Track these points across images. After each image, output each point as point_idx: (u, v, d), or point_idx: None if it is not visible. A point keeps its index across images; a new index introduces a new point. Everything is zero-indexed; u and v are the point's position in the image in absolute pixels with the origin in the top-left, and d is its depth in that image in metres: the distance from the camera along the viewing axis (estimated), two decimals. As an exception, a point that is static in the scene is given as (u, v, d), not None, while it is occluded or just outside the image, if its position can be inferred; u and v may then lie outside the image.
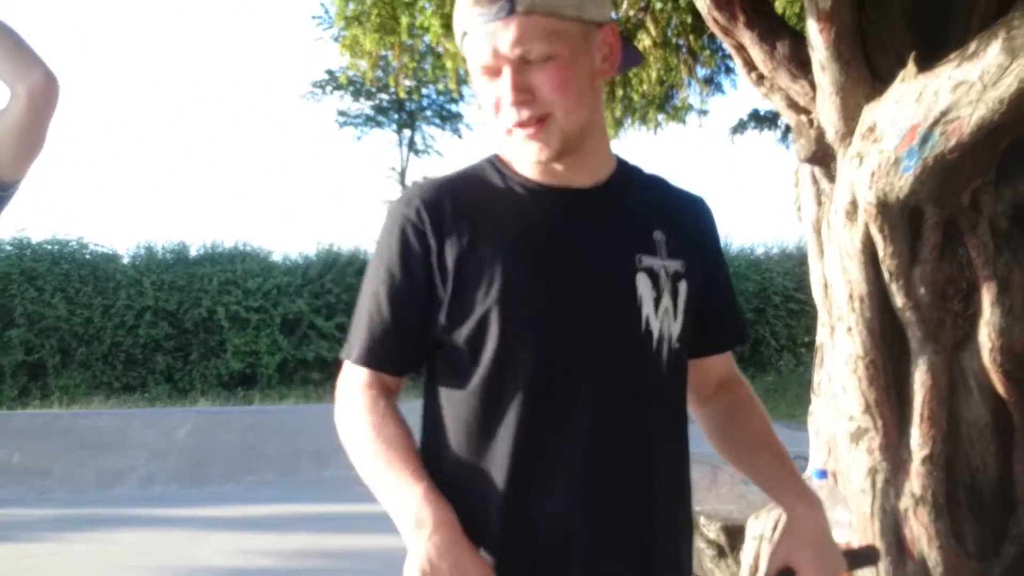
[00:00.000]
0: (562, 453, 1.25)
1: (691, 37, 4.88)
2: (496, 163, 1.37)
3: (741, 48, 2.71)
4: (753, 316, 13.68)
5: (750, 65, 2.75)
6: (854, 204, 2.36)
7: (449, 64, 4.10)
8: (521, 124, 1.25)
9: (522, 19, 1.20)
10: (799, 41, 2.58)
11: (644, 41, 4.61)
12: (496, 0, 1.21)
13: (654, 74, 4.92)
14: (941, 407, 2.40)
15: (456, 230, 1.29)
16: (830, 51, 2.37)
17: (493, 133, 1.31)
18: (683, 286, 1.35)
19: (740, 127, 6.10)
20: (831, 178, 2.60)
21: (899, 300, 2.36)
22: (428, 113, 20.01)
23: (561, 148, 1.27)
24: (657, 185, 1.45)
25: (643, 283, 1.31)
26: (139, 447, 8.61)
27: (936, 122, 2.10)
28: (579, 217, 1.32)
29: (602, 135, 1.39)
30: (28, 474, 8.05)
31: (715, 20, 2.65)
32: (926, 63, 2.19)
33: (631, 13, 4.49)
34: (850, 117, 2.41)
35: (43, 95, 1.75)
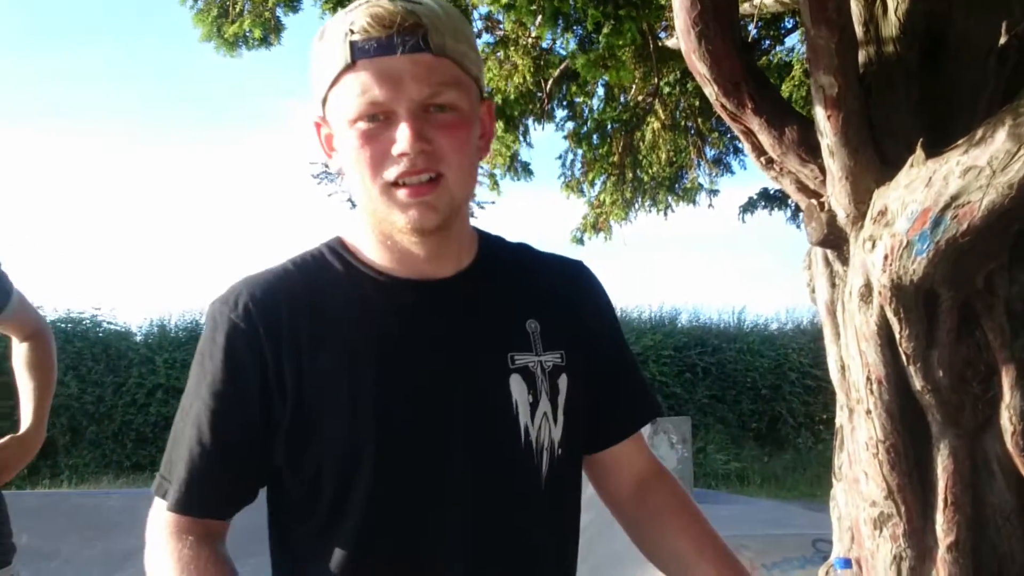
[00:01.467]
0: None
1: (699, 119, 4.96)
2: (339, 249, 1.15)
3: (750, 133, 2.75)
4: (769, 393, 13.54)
5: (759, 150, 2.78)
6: (868, 287, 2.36)
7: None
8: (414, 175, 1.02)
9: (433, 59, 1.02)
10: (807, 125, 2.61)
11: (653, 124, 4.69)
12: (405, 29, 1.01)
13: (663, 156, 4.99)
14: (965, 492, 2.36)
15: (294, 337, 1.06)
16: (838, 137, 2.40)
17: (361, 196, 1.07)
18: (563, 382, 1.15)
19: (750, 206, 6.14)
20: (844, 261, 2.60)
21: (918, 383, 2.34)
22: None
23: (444, 218, 1.06)
24: (526, 259, 1.25)
25: (517, 387, 1.11)
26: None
27: (947, 206, 2.12)
28: (441, 316, 1.11)
29: (467, 217, 1.19)
30: (36, 555, 7.90)
31: (723, 106, 2.69)
32: (934, 148, 2.22)
33: (640, 99, 4.58)
34: (861, 201, 2.42)
35: None
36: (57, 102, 22.71)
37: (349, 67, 1.02)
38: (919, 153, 2.23)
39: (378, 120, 1.02)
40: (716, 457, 11.94)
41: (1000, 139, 2.01)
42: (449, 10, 1.07)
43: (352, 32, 1.02)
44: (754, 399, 13.55)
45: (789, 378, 13.69)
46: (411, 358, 1.08)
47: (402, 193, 1.03)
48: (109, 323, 13.24)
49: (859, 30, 2.58)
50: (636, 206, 5.23)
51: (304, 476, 1.08)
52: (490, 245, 1.21)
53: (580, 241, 5.44)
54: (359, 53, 1.01)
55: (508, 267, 1.21)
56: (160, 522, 1.10)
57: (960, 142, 2.13)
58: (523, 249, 1.27)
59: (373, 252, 1.13)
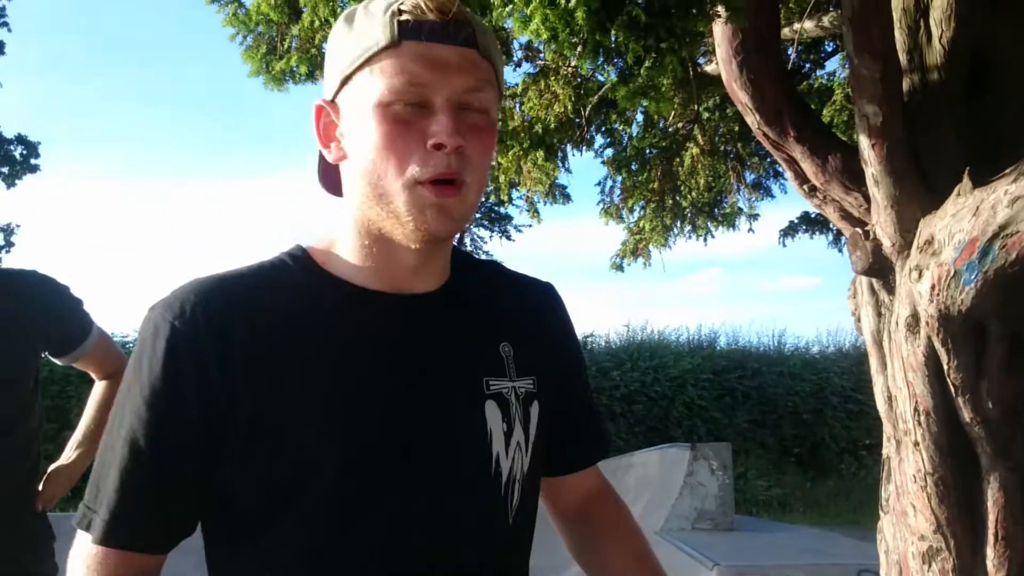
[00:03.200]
0: None
1: (739, 144, 4.94)
2: (304, 260, 1.03)
3: (792, 161, 2.74)
4: (810, 418, 13.36)
5: (802, 177, 2.77)
6: (915, 317, 2.33)
7: (502, 178, 4.18)
8: (443, 177, 0.93)
9: (478, 57, 0.96)
10: (850, 153, 2.60)
11: (692, 150, 4.69)
12: (457, 21, 0.95)
13: (702, 181, 4.97)
14: (1016, 526, 2.31)
15: (250, 344, 0.93)
16: (883, 165, 2.38)
17: (362, 192, 0.97)
18: (535, 410, 1.07)
19: (791, 229, 6.09)
20: (890, 290, 2.58)
21: (967, 415, 2.30)
22: (477, 215, 20.36)
23: (456, 228, 0.97)
24: (496, 278, 1.16)
25: (492, 414, 1.02)
26: (189, 550, 8.57)
27: (995, 236, 2.09)
28: (415, 332, 1.01)
29: None
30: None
31: (766, 135, 2.69)
32: (981, 177, 2.19)
33: (679, 125, 4.58)
34: (906, 230, 2.40)
35: None
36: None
37: (392, 46, 0.93)
38: (966, 182, 2.21)
39: (413, 107, 0.93)
40: (757, 483, 11.78)
41: (1050, 168, 1.98)
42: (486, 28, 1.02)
43: (401, 12, 0.94)
44: (795, 424, 13.38)
45: (831, 402, 13.50)
46: (380, 374, 0.97)
47: (425, 191, 0.93)
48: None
49: (903, 58, 2.56)
50: (675, 231, 5.22)
51: (261, 491, 0.94)
52: (466, 261, 1.13)
53: (620, 268, 5.43)
54: (408, 33, 0.93)
55: (480, 285, 1.12)
56: (82, 562, 0.95)
57: (1008, 171, 2.11)
58: (493, 267, 1.19)
59: (346, 261, 1.02)
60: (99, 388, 2.23)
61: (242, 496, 0.95)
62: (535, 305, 1.17)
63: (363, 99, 0.95)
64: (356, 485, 0.94)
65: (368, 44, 0.94)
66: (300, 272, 1.01)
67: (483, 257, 1.23)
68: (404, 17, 0.93)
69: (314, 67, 3.03)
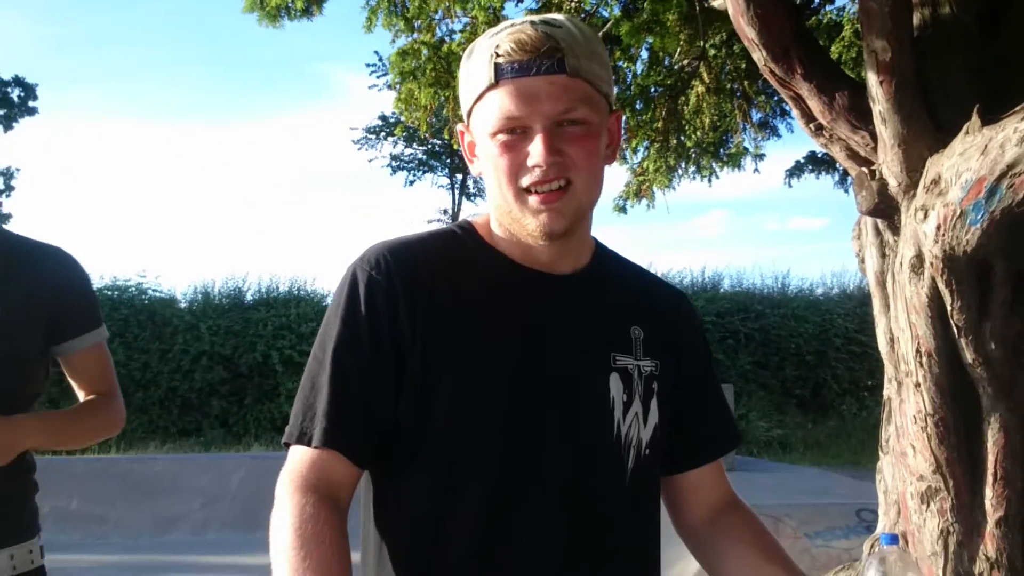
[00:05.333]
0: (520, 570, 1.15)
1: (745, 82, 4.86)
2: (471, 231, 1.26)
3: (799, 99, 2.68)
4: (813, 359, 13.42)
5: (808, 116, 2.72)
6: (920, 258, 2.30)
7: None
8: (545, 184, 1.14)
9: (567, 80, 1.13)
10: (858, 91, 2.54)
11: (698, 88, 4.61)
12: (542, 54, 1.12)
13: (707, 120, 4.90)
14: (1015, 466, 2.31)
15: (431, 297, 1.16)
16: (891, 103, 2.33)
17: (496, 200, 1.20)
18: (655, 388, 1.25)
19: (797, 170, 6.04)
20: (895, 230, 2.54)
21: (969, 356, 2.29)
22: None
23: (571, 223, 1.17)
24: (636, 276, 1.36)
25: (615, 385, 1.21)
26: (194, 492, 8.68)
27: (1003, 175, 2.05)
28: (556, 308, 1.22)
29: (589, 222, 1.28)
30: (86, 520, 8.15)
31: (772, 72, 2.62)
32: (991, 115, 2.14)
33: (684, 62, 4.49)
34: (913, 169, 2.36)
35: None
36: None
37: (492, 86, 1.14)
38: (975, 120, 2.16)
39: (515, 133, 1.14)
40: (759, 424, 11.88)
41: (1061, 105, 1.94)
42: (587, 33, 1.19)
43: (497, 55, 1.13)
44: (798, 365, 13.45)
45: (834, 344, 13.55)
46: (525, 345, 1.18)
47: (534, 200, 1.14)
48: (154, 290, 13.48)
49: (913, -9, 2.49)
50: (680, 172, 5.16)
51: (413, 435, 1.16)
52: (605, 253, 1.32)
53: (623, 209, 5.37)
54: (501, 73, 1.13)
55: (619, 275, 1.32)
56: (288, 477, 1.13)
57: (1018, 108, 2.06)
58: (635, 266, 1.38)
59: (501, 242, 1.23)
60: (92, 399, 1.97)
61: (407, 428, 1.15)
62: (668, 301, 1.35)
63: (481, 128, 1.18)
64: (491, 437, 1.15)
65: (476, 84, 1.16)
66: (468, 241, 1.25)
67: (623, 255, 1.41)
68: (499, 60, 1.13)
69: (309, 3, 2.96)
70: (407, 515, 1.18)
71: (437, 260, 1.20)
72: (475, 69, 1.17)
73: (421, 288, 1.16)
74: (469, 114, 1.21)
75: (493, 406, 1.16)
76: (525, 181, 1.14)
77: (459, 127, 1.26)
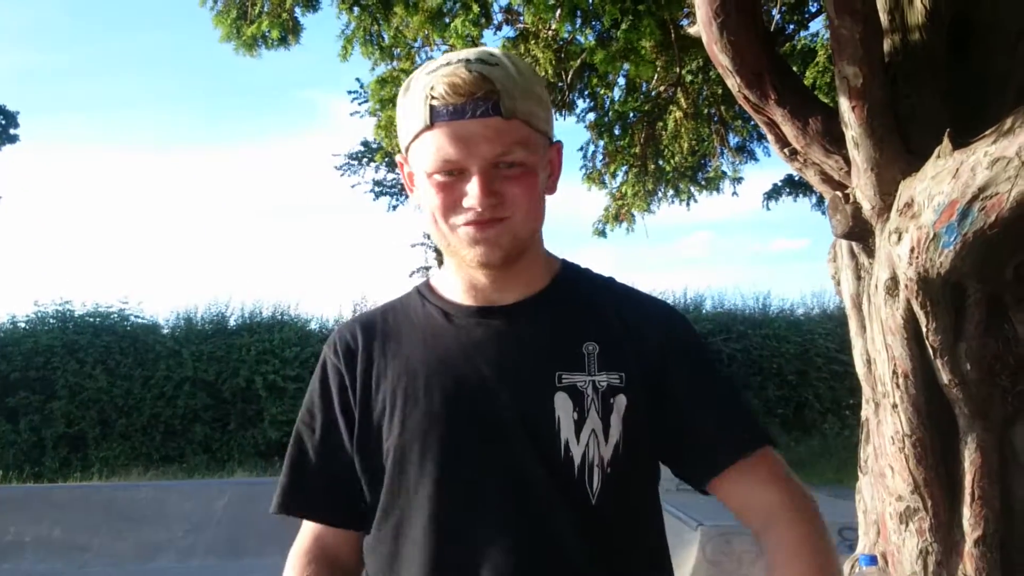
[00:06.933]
0: None
1: (723, 108, 4.91)
2: (423, 290, 1.34)
3: (773, 124, 2.72)
4: (795, 379, 13.45)
5: (783, 141, 2.75)
6: (895, 280, 2.33)
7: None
8: (477, 222, 1.17)
9: (502, 122, 1.14)
10: (831, 116, 2.58)
11: (675, 114, 4.65)
12: (477, 98, 1.13)
13: (686, 145, 4.94)
14: (992, 486, 2.33)
15: (366, 358, 1.28)
16: (863, 128, 2.37)
17: (435, 232, 1.23)
18: (620, 401, 1.21)
19: (775, 192, 6.09)
20: (870, 253, 2.57)
21: (945, 377, 2.31)
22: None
23: (508, 253, 1.19)
24: (605, 291, 1.34)
25: (562, 404, 1.19)
26: (178, 519, 8.59)
27: (975, 198, 2.08)
28: (496, 337, 1.24)
29: (540, 250, 1.31)
30: (68, 548, 8.04)
31: (746, 98, 2.66)
32: (961, 138, 2.18)
33: (661, 88, 4.53)
34: (886, 192, 2.39)
35: None
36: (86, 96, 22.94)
37: (428, 127, 1.16)
38: (946, 143, 2.20)
39: (452, 175, 1.16)
40: (742, 444, 11.84)
41: (1029, 130, 1.97)
42: (524, 70, 1.20)
43: (432, 97, 1.14)
44: (780, 385, 13.47)
45: (815, 364, 13.59)
46: (462, 371, 1.23)
47: (467, 230, 1.18)
48: (137, 317, 13.36)
49: (884, 18, 2.54)
50: (658, 196, 5.19)
51: (365, 465, 1.24)
52: (570, 275, 1.33)
53: (602, 233, 5.40)
54: (436, 116, 1.15)
55: (584, 293, 1.31)
56: (293, 548, 1.31)
57: (988, 132, 2.10)
58: (608, 282, 1.36)
59: (449, 284, 1.30)
60: None
61: (365, 481, 1.25)
62: (642, 313, 1.31)
63: (418, 165, 1.21)
64: (435, 455, 1.20)
65: (413, 123, 1.18)
66: (417, 297, 1.33)
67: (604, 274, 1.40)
68: (434, 102, 1.14)
69: (286, 32, 2.98)
70: (372, 561, 1.26)
71: (377, 323, 1.32)
72: (411, 107, 1.19)
73: (365, 353, 1.28)
74: (407, 149, 1.23)
75: (427, 448, 1.20)
76: (460, 220, 1.18)
77: (398, 157, 1.29)
